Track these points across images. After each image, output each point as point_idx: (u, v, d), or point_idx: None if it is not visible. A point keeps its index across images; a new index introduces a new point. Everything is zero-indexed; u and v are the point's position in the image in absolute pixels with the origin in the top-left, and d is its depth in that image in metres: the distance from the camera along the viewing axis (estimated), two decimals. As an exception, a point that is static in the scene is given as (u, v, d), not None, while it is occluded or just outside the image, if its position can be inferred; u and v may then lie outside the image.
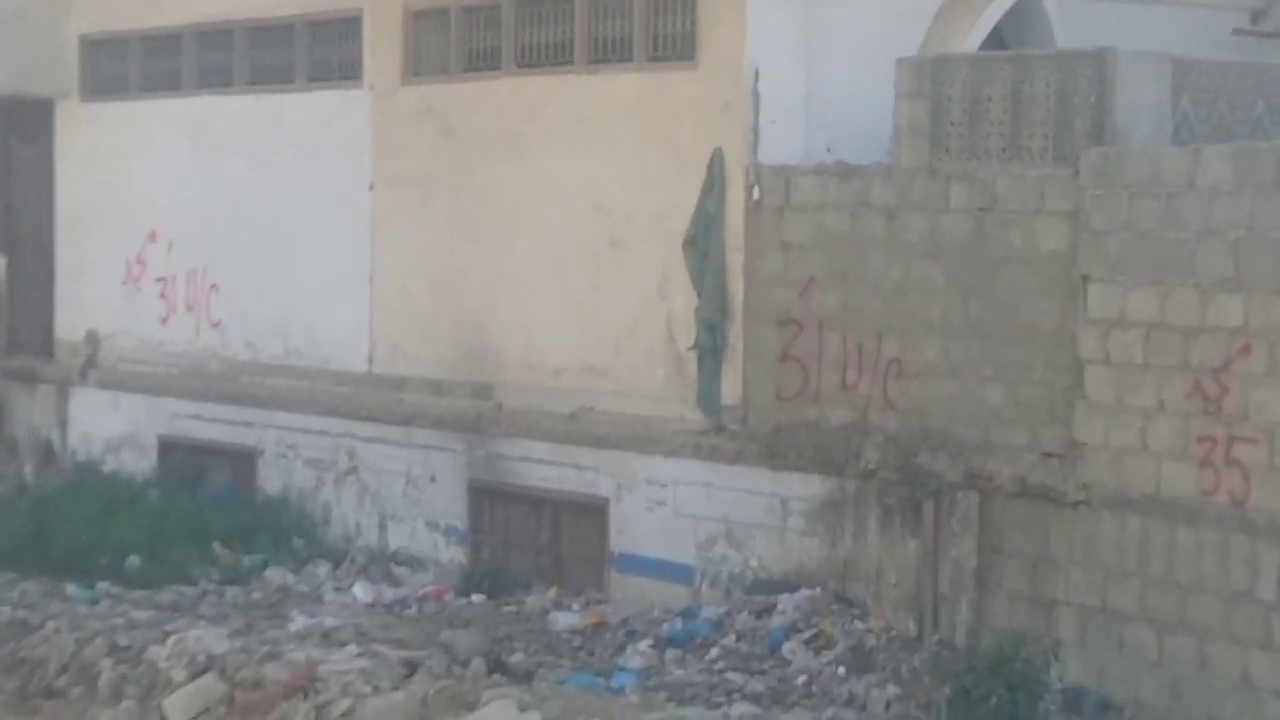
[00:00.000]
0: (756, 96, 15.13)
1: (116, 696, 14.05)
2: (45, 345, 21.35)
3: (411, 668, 13.73)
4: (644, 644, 14.58)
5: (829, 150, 15.13)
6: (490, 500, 17.12)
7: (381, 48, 17.94)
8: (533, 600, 16.13)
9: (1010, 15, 15.86)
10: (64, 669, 14.47)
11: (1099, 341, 12.97)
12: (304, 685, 13.35)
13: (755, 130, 15.15)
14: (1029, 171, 13.51)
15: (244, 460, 19.20)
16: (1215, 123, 13.58)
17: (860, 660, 13.77)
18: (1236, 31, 17.11)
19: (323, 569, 17.46)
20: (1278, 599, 11.94)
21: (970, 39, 15.53)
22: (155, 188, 20.13)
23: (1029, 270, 13.46)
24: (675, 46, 15.75)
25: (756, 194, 15.14)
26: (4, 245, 21.90)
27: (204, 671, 13.87)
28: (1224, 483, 12.23)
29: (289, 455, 18.75)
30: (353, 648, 14.37)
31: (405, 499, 17.72)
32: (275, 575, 17.23)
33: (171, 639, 14.59)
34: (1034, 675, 12.57)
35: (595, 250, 16.27)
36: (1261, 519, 12.03)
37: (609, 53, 16.22)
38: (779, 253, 15.02)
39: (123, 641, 14.66)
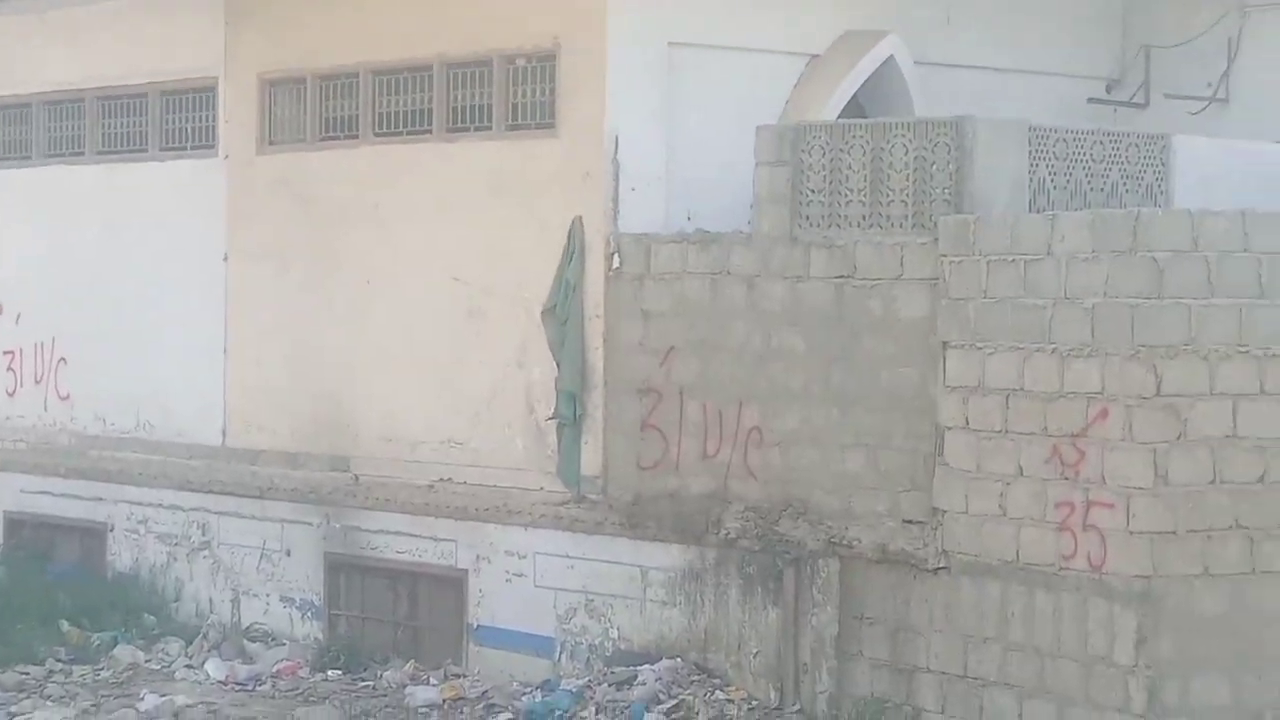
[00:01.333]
0: (616, 165, 15.09)
1: (-43, 778, 13.66)
2: (-113, 420, 20.80)
3: (264, 744, 13.45)
4: (503, 718, 14.41)
5: (689, 218, 15.10)
6: (347, 573, 16.86)
7: (236, 116, 17.75)
8: (390, 675, 15.88)
9: (869, 84, 15.94)
10: (-97, 750, 14.04)
11: (959, 408, 12.98)
12: (152, 762, 13.02)
13: (615, 198, 15.10)
14: (888, 239, 13.54)
15: (93, 536, 18.82)
16: (1072, 190, 13.68)
17: (721, 731, 13.66)
18: (1092, 100, 17.31)
19: (174, 646, 17.08)
20: (1135, 662, 11.95)
21: (829, 107, 15.58)
22: (3, 259, 19.78)
23: (889, 337, 13.47)
24: (535, 115, 15.69)
25: (616, 262, 15.07)
26: None
27: (49, 750, 13.53)
28: (1082, 547, 12.25)
29: (140, 530, 18.39)
30: (203, 725, 14.09)
31: (260, 573, 17.40)
32: (125, 653, 16.84)
33: None
34: (896, 743, 12.52)
35: (453, 321, 16.12)
36: (1118, 583, 12.05)
37: (468, 121, 16.14)
38: (639, 321, 14.95)
39: (-35, 721, 14.28)
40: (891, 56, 15.92)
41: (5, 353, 19.70)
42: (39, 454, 19.32)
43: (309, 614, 17.04)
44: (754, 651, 14.11)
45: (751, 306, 14.28)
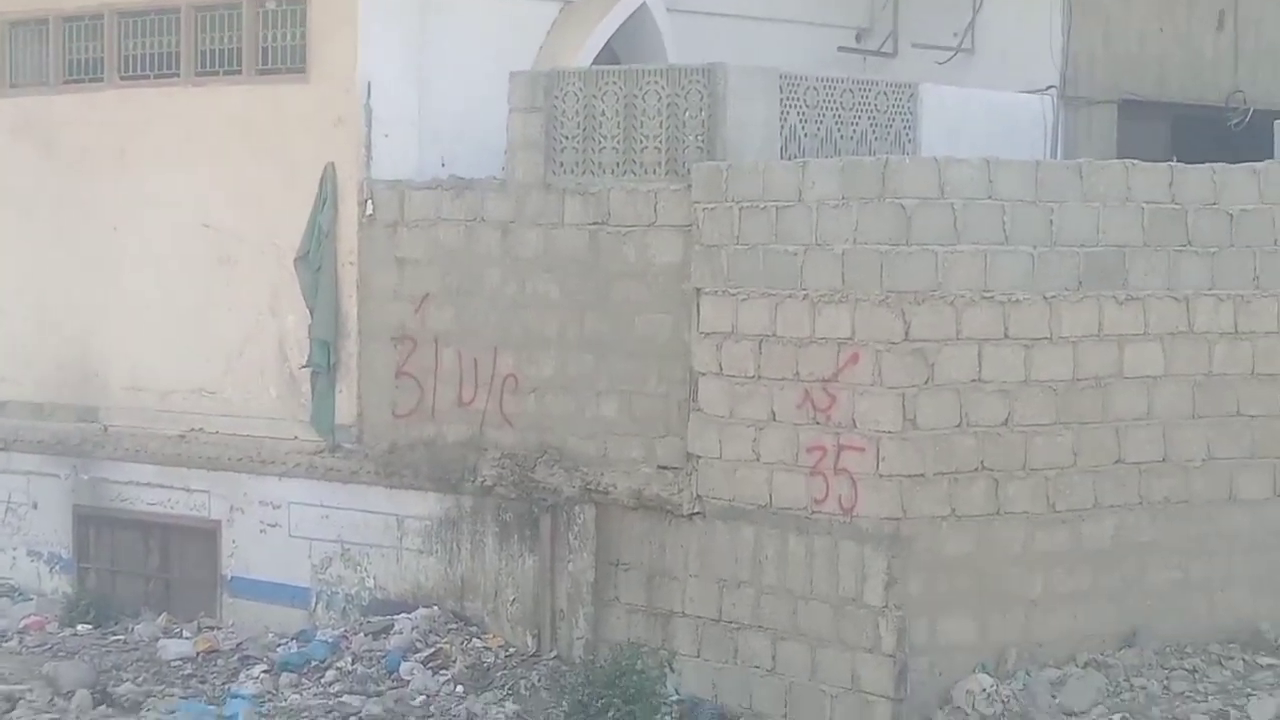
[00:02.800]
0: (369, 110, 14.94)
1: None
2: None
3: (11, 702, 13.21)
4: (258, 669, 14.24)
5: (443, 165, 15.01)
6: (96, 526, 16.55)
7: (-24, 58, 17.26)
8: (141, 628, 15.63)
9: (623, 31, 15.95)
10: None
11: (712, 354, 13.08)
12: (-109, 724, 12.70)
13: (368, 145, 14.95)
14: (642, 186, 13.57)
15: None
16: (823, 137, 13.84)
17: (479, 678, 13.66)
18: (842, 49, 17.50)
19: (-84, 603, 16.67)
20: (885, 603, 12.16)
21: (583, 54, 15.57)
22: None
23: (643, 284, 13.52)
24: (285, 59, 15.46)
25: (370, 209, 14.93)
26: None
27: None
28: (833, 491, 12.42)
29: (-122, 487, 17.87)
30: (-54, 683, 13.75)
31: (5, 527, 17.02)
32: None
33: None
34: (650, 687, 12.62)
35: (204, 268, 15.87)
36: (869, 525, 12.24)
37: (217, 65, 15.85)
38: (393, 269, 14.83)
39: None
40: (645, 4, 15.97)
41: None
42: None
43: (57, 568, 16.71)
44: (511, 599, 14.13)
45: (506, 253, 14.24)
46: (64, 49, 16.76)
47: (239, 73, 15.71)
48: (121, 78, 16.40)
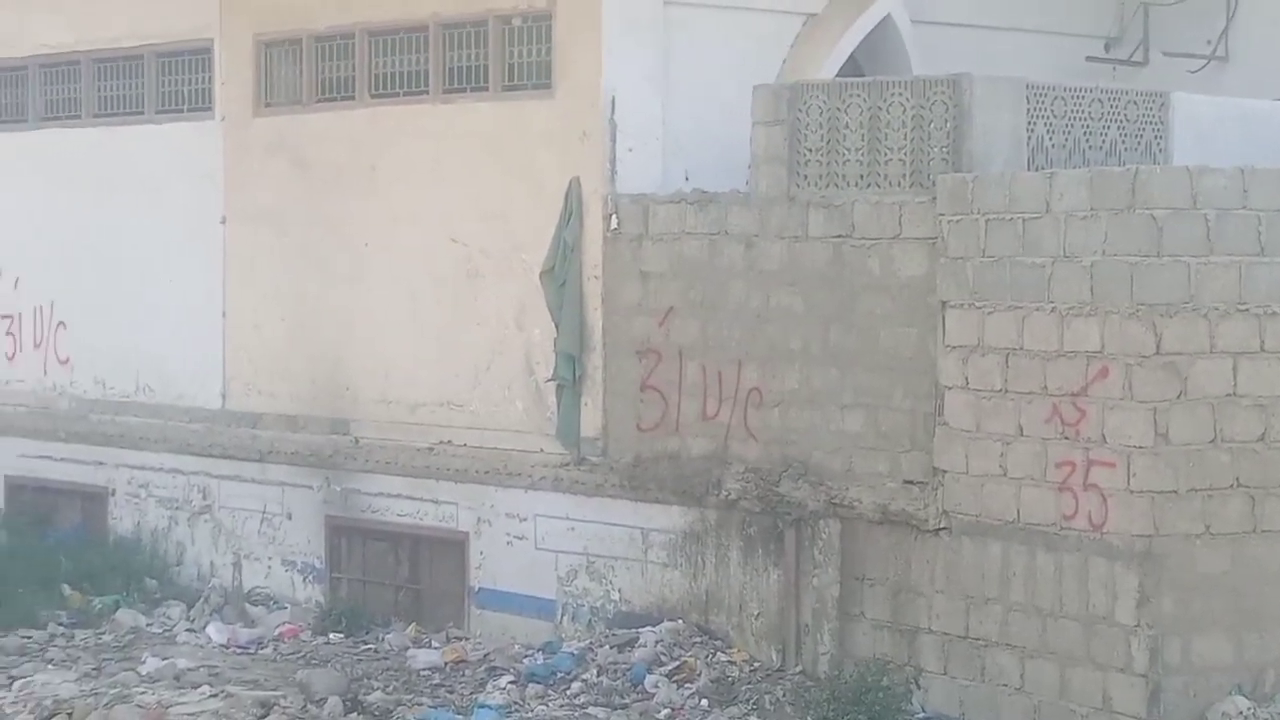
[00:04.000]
0: (613, 125, 15.03)
1: (-41, 744, 13.67)
2: (-114, 385, 20.78)
3: (266, 708, 13.47)
4: (505, 680, 14.37)
5: (687, 178, 15.05)
6: (348, 537, 16.85)
7: (233, 78, 17.67)
8: (391, 638, 15.89)
9: (867, 43, 15.87)
10: (-95, 716, 14.04)
11: (958, 368, 12.94)
12: (154, 728, 13.05)
13: (613, 159, 15.04)
14: (886, 198, 13.48)
15: (94, 500, 18.80)
16: (1070, 148, 13.63)
17: (723, 692, 13.65)
18: (1090, 59, 17.23)
19: (176, 610, 17.09)
20: (1137, 622, 11.94)
21: (827, 66, 15.52)
22: (1, 223, 19.69)
23: (888, 297, 13.43)
24: (531, 75, 15.62)
25: (614, 223, 15.02)
26: None
27: (51, 716, 13.55)
28: (1083, 507, 12.22)
29: (141, 494, 18.38)
30: (206, 689, 14.10)
31: (261, 537, 17.39)
32: (126, 617, 16.85)
33: (18, 684, 14.30)
34: (896, 704, 12.53)
35: (452, 282, 16.08)
36: (1119, 542, 12.03)
37: (464, 82, 16.06)
38: (638, 282, 14.90)
39: (-33, 687, 14.30)
40: (889, 15, 15.87)
41: (4, 317, 19.65)
42: (39, 418, 19.28)
43: (310, 577, 17.04)
44: (755, 613, 14.11)
45: (750, 267, 14.23)
46: (316, 68, 17.09)
47: (485, 89, 15.90)
48: (372, 96, 16.69)
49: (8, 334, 19.60)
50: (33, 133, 19.46)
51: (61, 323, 19.13)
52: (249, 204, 17.59)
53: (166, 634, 16.59)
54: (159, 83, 18.39)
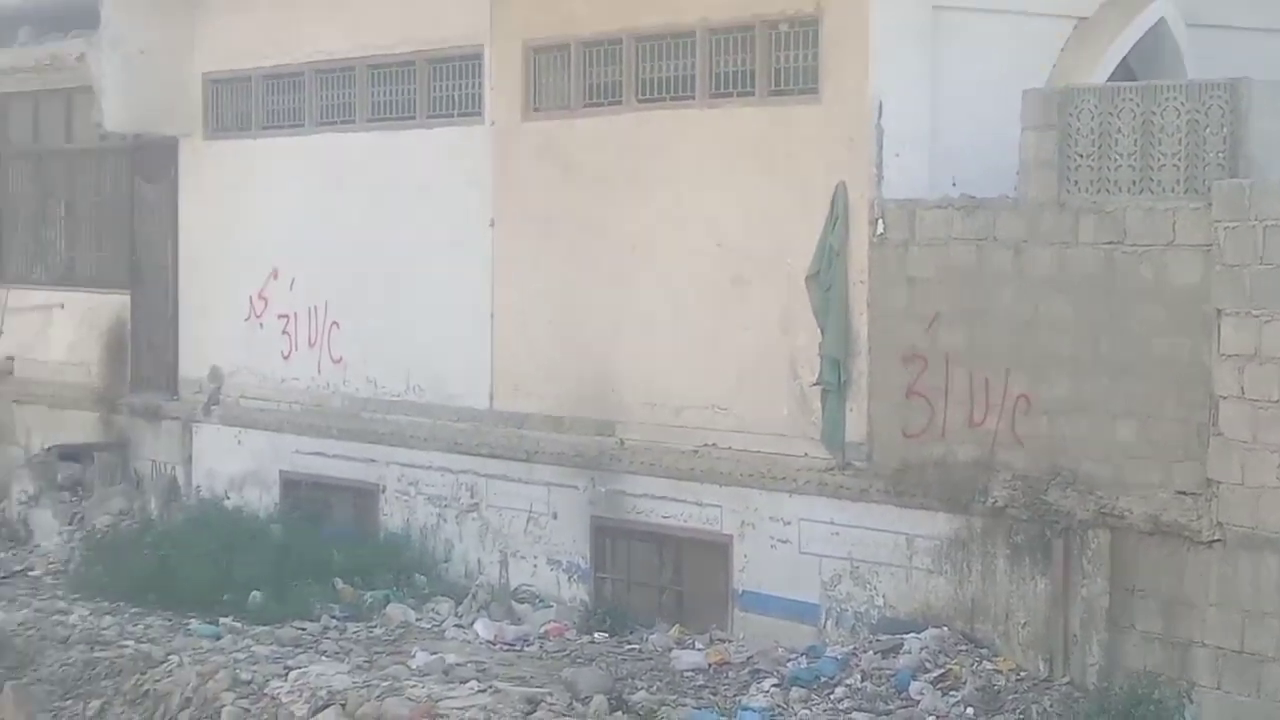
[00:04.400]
0: (880, 130, 15.00)
1: (239, 731, 14.10)
2: (169, 382, 21.48)
3: (533, 705, 13.67)
4: (768, 683, 14.42)
5: (954, 184, 14.95)
6: (612, 537, 17.03)
7: (502, 83, 17.94)
8: (655, 638, 16.03)
9: (1139, 46, 15.63)
10: (187, 703, 14.52)
11: (1234, 377, 12.71)
12: (426, 722, 13.31)
13: (879, 164, 15.02)
14: (1160, 204, 13.29)
15: (365, 497, 19.22)
16: (1353, 153, 13.32)
17: (989, 701, 13.56)
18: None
19: (444, 606, 17.40)
20: None
21: (1098, 70, 15.32)
22: (277, 225, 20.24)
23: (1160, 304, 13.23)
24: (797, 80, 15.64)
25: (880, 228, 14.99)
26: (129, 283, 22.08)
27: (325, 707, 13.89)
28: (1365, 521, 11.95)
29: (410, 492, 18.74)
30: (474, 684, 14.35)
31: (527, 536, 17.65)
32: (397, 611, 17.21)
33: (293, 674, 14.64)
34: (1167, 718, 12.33)
35: (717, 287, 16.17)
36: (1404, 559, 11.74)
37: (730, 87, 16.14)
38: (904, 288, 14.86)
39: (245, 676, 14.71)
40: (1163, 18, 15.61)
41: (280, 316, 20.15)
42: (313, 416, 19.76)
43: (575, 576, 17.25)
44: (1022, 622, 13.99)
45: (1018, 273, 14.11)
46: (584, 73, 17.29)
47: (752, 94, 15.97)
48: (639, 101, 16.83)
49: (283, 333, 20.11)
50: (309, 137, 19.94)
51: (335, 322, 19.57)
52: (517, 207, 17.86)
53: (435, 629, 16.91)
54: (430, 88, 18.73)
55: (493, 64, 18.05)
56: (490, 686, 14.19)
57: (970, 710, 13.44)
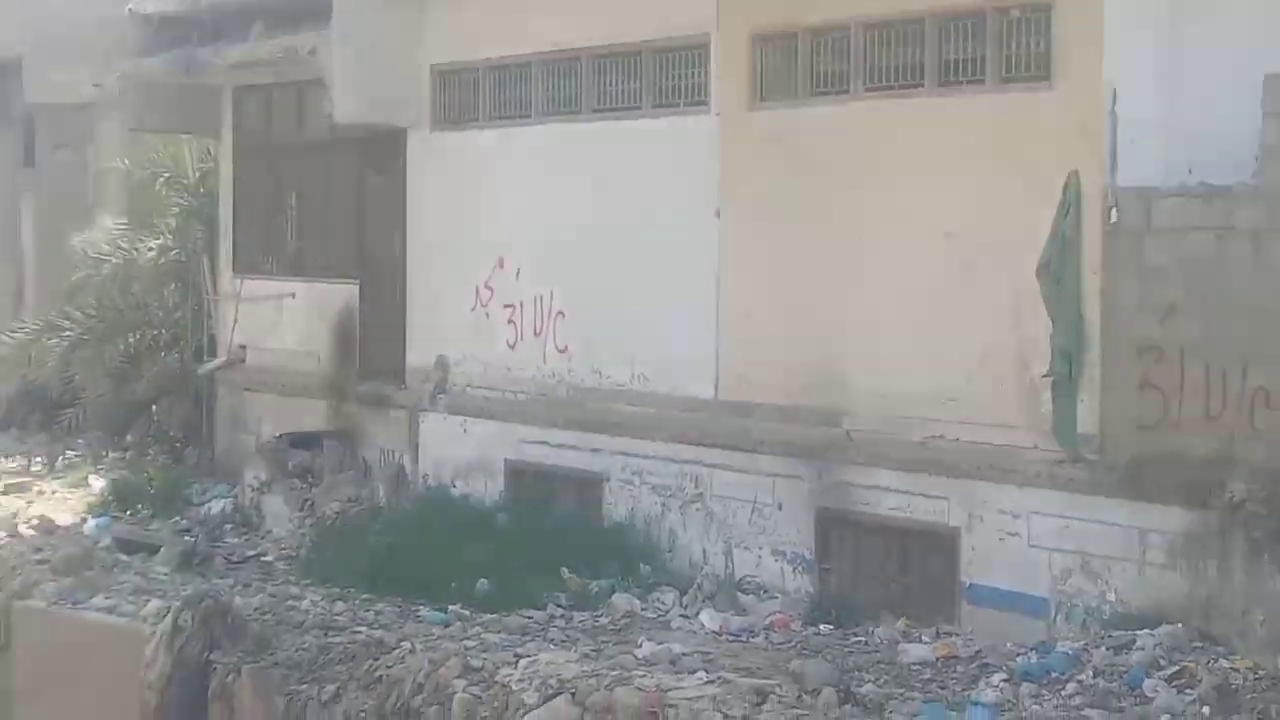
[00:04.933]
0: (1114, 117, 14.74)
1: (470, 718, 14.22)
2: (397, 371, 21.75)
3: (762, 696, 13.64)
4: (997, 678, 14.24)
5: (1190, 171, 14.64)
6: (837, 529, 16.95)
7: (729, 73, 17.91)
8: (881, 631, 15.92)
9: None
10: (419, 688, 14.70)
11: None
12: (655, 711, 13.36)
13: (1113, 152, 14.76)
14: None
15: (590, 486, 19.31)
16: None
17: (1225, 700, 13.24)
18: None
19: (669, 596, 17.42)
20: None
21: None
22: (503, 215, 20.40)
23: None
24: (1029, 67, 15.43)
25: (1115, 217, 14.74)
26: (358, 273, 22.41)
27: (555, 695, 13.97)
28: None
29: (635, 481, 18.80)
30: (701, 675, 14.34)
31: (751, 526, 17.62)
32: (622, 601, 17.27)
33: (523, 662, 14.73)
34: None
35: (945, 276, 16.01)
36: None
37: (960, 74, 15.97)
38: (1138, 278, 14.59)
39: (475, 663, 14.84)
40: None
41: (506, 306, 20.30)
42: (538, 405, 19.90)
43: (799, 568, 17.19)
44: (1260, 620, 13.68)
45: (1258, 262, 13.80)
46: (811, 62, 17.20)
47: (982, 82, 15.79)
48: (866, 89, 16.72)
49: (509, 322, 20.26)
50: (535, 128, 20.08)
51: (560, 312, 19.69)
52: (743, 197, 17.82)
53: (660, 619, 16.94)
54: (656, 78, 18.75)
55: (719, 53, 18.03)
56: (719, 677, 14.18)
57: (1206, 709, 13.14)
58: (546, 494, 19.63)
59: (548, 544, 18.23)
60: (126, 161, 27.02)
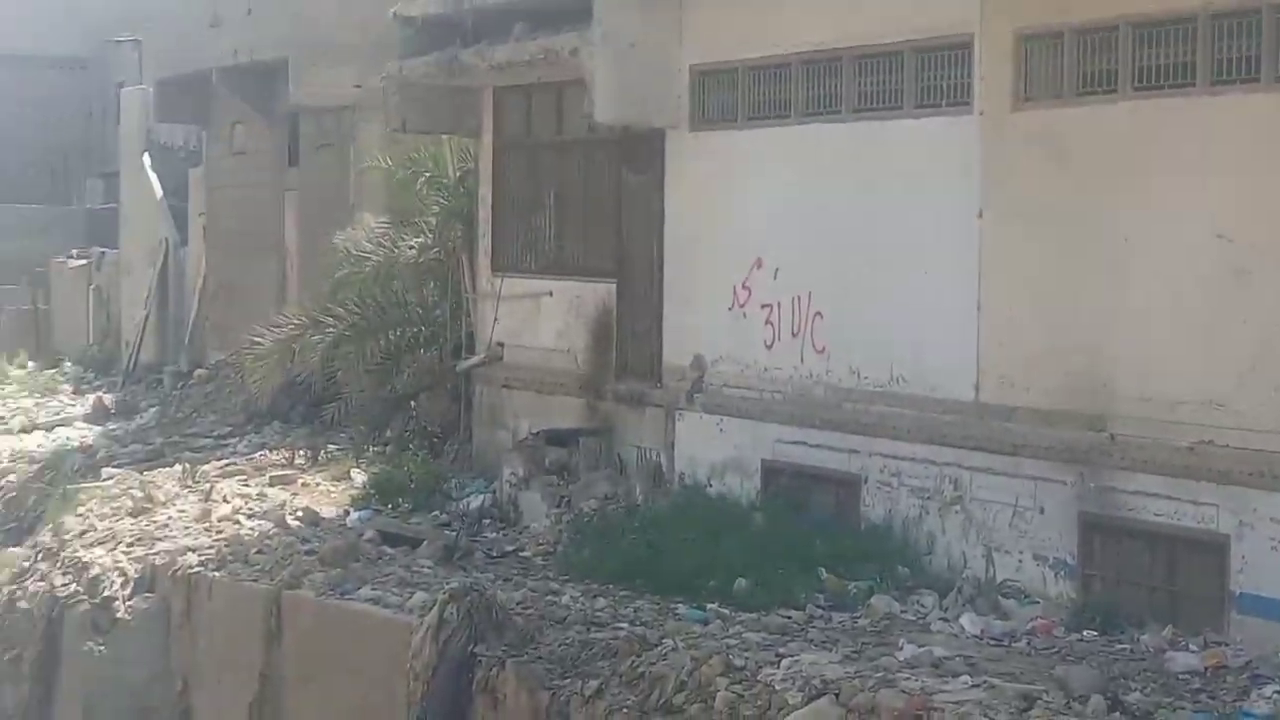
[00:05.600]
0: (1396, 115, 14.38)
1: (733, 716, 14.27)
2: (653, 370, 21.89)
3: (1028, 701, 13.53)
4: (1270, 689, 13.98)
5: None
6: (1101, 534, 16.71)
7: (992, 72, 17.75)
8: (1147, 639, 15.68)
9: None
10: (681, 686, 14.77)
11: None
12: (920, 714, 13.30)
13: (1394, 152, 14.39)
14: None
15: (846, 487, 19.26)
16: None
17: None
18: None
19: (928, 599, 17.33)
20: None
21: None
22: (761, 215, 20.42)
23: None
24: (1303, 64, 15.12)
25: (1395, 219, 14.36)
26: (615, 272, 22.59)
27: (819, 696, 13.96)
28: None
29: (892, 483, 18.71)
30: (965, 679, 14.26)
31: (1012, 530, 17.44)
32: (881, 603, 17.21)
33: (785, 662, 14.75)
34: None
35: (1216, 279, 15.71)
36: None
37: (1234, 73, 15.66)
38: None
39: (738, 662, 14.89)
40: None
41: (764, 306, 20.32)
42: (795, 405, 19.89)
43: (1061, 573, 16.99)
44: None
45: None
46: (1078, 61, 16.98)
47: (1257, 80, 15.47)
48: (1134, 89, 16.46)
49: (767, 323, 20.28)
50: (794, 128, 20.07)
51: (818, 313, 19.66)
52: (1006, 198, 17.66)
53: (920, 622, 16.85)
54: (918, 78, 18.64)
55: (982, 53, 17.87)
56: (984, 681, 14.08)
57: None
58: (802, 494, 19.62)
59: (804, 544, 18.24)
60: (389, 161, 27.50)
